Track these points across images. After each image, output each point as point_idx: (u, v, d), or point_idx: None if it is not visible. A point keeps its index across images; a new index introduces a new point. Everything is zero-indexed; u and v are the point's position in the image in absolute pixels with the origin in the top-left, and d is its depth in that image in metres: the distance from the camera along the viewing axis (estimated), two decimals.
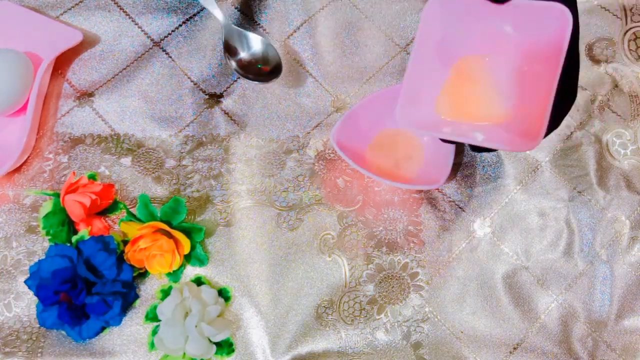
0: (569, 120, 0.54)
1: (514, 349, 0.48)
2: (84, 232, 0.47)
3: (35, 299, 0.47)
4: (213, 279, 0.49)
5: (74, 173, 0.49)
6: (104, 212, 0.50)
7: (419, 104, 0.43)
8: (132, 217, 0.49)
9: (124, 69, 0.55)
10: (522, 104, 0.42)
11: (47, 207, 0.48)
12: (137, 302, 0.48)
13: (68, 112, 0.53)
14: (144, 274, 0.49)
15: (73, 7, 0.56)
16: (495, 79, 0.43)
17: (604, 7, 0.58)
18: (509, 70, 0.43)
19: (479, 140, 0.41)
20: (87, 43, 0.55)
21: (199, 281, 0.49)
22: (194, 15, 0.56)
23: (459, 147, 0.53)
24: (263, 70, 0.52)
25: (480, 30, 0.42)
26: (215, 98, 0.54)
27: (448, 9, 0.41)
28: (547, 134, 0.41)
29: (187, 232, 0.48)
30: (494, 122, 0.43)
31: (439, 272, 0.50)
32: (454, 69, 0.44)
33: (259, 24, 0.57)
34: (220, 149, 0.52)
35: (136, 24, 0.56)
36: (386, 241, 0.50)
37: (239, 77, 0.55)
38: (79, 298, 0.44)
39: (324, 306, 0.49)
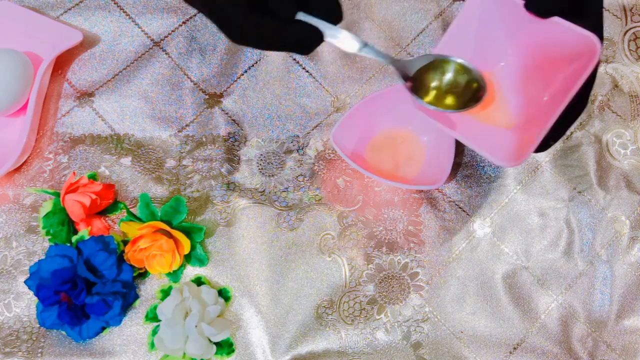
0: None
1: (514, 349, 0.48)
2: (84, 232, 0.47)
3: (35, 299, 0.47)
4: (213, 279, 0.49)
5: (74, 173, 0.49)
6: (104, 212, 0.50)
7: None
8: (132, 217, 0.49)
9: (124, 69, 0.55)
10: (528, 119, 0.42)
11: (47, 207, 0.48)
12: (137, 302, 0.48)
13: (68, 112, 0.53)
14: (144, 274, 0.49)
15: (73, 7, 0.56)
16: (517, 87, 0.43)
17: (604, 7, 0.58)
18: (530, 81, 0.43)
19: (468, 141, 0.42)
20: (87, 43, 0.55)
21: (199, 281, 0.49)
22: (194, 15, 0.56)
23: (459, 147, 0.53)
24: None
25: (514, 36, 0.42)
26: (215, 98, 0.54)
27: (487, 10, 0.42)
28: (546, 148, 0.41)
29: (187, 232, 0.48)
30: (498, 126, 0.43)
31: (439, 272, 0.50)
32: (485, 75, 0.44)
33: None
34: (220, 149, 0.52)
35: (136, 24, 0.56)
36: (386, 241, 0.50)
37: (239, 77, 0.55)
38: (79, 298, 0.44)
39: (324, 306, 0.49)
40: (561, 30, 0.39)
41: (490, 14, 0.42)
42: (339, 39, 0.40)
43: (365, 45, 0.40)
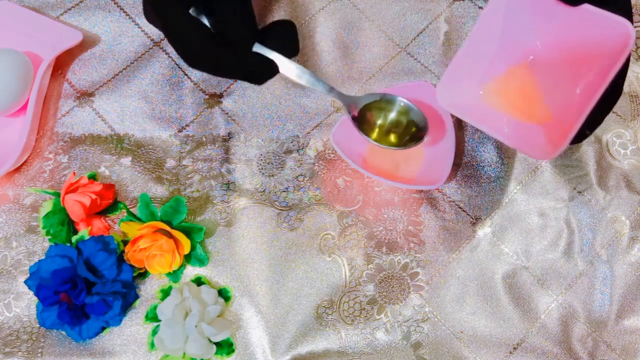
0: None
1: (514, 349, 0.48)
2: (84, 232, 0.47)
3: (35, 299, 0.47)
4: (213, 279, 0.49)
5: (74, 173, 0.49)
6: (104, 212, 0.50)
7: (462, 87, 0.45)
8: (132, 217, 0.49)
9: (124, 69, 0.55)
10: (561, 111, 0.42)
11: (47, 207, 0.48)
12: (137, 302, 0.48)
13: (68, 112, 0.53)
14: (144, 274, 0.49)
15: (73, 7, 0.56)
16: (547, 80, 0.43)
17: None
18: (561, 73, 0.43)
19: (504, 138, 0.43)
20: (87, 43, 0.55)
21: (199, 281, 0.49)
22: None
23: (459, 147, 0.53)
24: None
25: (542, 28, 0.42)
26: (215, 98, 0.54)
27: (514, 2, 0.41)
28: (583, 138, 0.41)
29: (187, 232, 0.48)
30: (534, 122, 0.43)
31: (439, 272, 0.50)
32: (513, 68, 0.44)
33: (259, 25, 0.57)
34: (220, 149, 0.52)
35: (136, 24, 0.56)
36: (386, 241, 0.50)
37: None
38: (79, 298, 0.44)
39: (324, 306, 0.49)
40: (592, 17, 0.38)
41: (517, 5, 0.42)
42: (293, 72, 0.42)
43: (317, 80, 0.43)
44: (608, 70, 0.37)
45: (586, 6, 0.38)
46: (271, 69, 0.41)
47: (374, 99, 0.46)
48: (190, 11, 0.39)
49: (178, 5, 0.38)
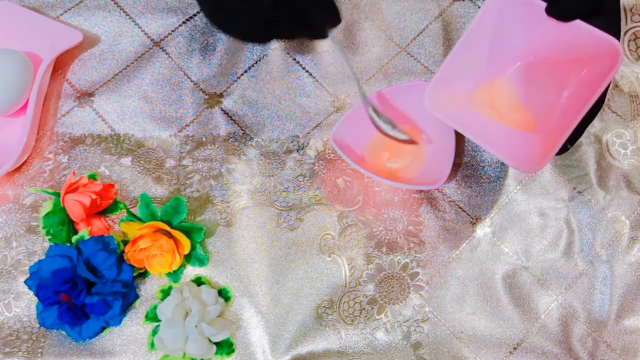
0: None
1: (514, 349, 0.48)
2: (84, 232, 0.47)
3: (35, 299, 0.47)
4: (213, 279, 0.49)
5: (74, 173, 0.49)
6: (104, 212, 0.50)
7: (450, 92, 0.45)
8: (132, 217, 0.49)
9: (124, 69, 0.55)
10: (545, 124, 0.42)
11: (47, 206, 0.48)
12: (137, 302, 0.48)
13: (68, 112, 0.53)
14: (144, 274, 0.49)
15: (73, 7, 0.56)
16: (531, 88, 0.43)
17: None
18: (548, 84, 0.43)
19: (488, 146, 0.43)
20: (87, 43, 0.55)
21: (199, 281, 0.49)
22: (194, 15, 0.56)
23: (459, 147, 0.53)
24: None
25: (532, 38, 0.42)
26: (215, 98, 0.54)
27: (506, 10, 0.42)
28: (564, 151, 0.42)
29: (187, 232, 0.48)
30: (519, 129, 0.44)
31: (439, 272, 0.50)
32: (501, 75, 0.45)
33: None
34: (220, 149, 0.52)
35: (136, 24, 0.56)
36: (386, 241, 0.50)
37: (239, 77, 0.55)
38: (79, 298, 0.44)
39: (324, 306, 0.49)
40: (582, 33, 0.38)
41: (508, 14, 0.42)
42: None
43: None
44: (595, 86, 0.37)
45: (577, 22, 0.38)
46: (335, 16, 0.43)
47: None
48: None
49: None
